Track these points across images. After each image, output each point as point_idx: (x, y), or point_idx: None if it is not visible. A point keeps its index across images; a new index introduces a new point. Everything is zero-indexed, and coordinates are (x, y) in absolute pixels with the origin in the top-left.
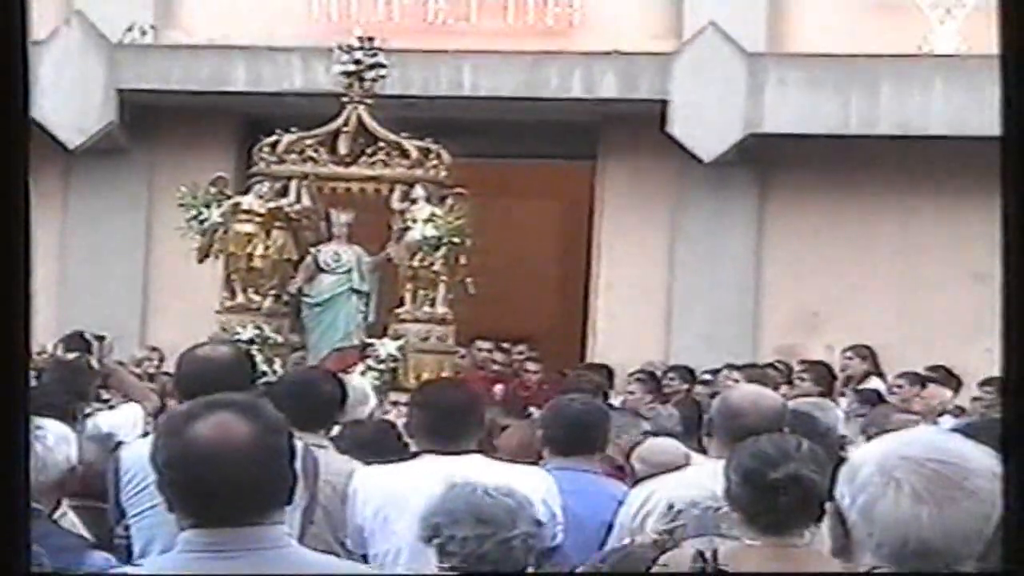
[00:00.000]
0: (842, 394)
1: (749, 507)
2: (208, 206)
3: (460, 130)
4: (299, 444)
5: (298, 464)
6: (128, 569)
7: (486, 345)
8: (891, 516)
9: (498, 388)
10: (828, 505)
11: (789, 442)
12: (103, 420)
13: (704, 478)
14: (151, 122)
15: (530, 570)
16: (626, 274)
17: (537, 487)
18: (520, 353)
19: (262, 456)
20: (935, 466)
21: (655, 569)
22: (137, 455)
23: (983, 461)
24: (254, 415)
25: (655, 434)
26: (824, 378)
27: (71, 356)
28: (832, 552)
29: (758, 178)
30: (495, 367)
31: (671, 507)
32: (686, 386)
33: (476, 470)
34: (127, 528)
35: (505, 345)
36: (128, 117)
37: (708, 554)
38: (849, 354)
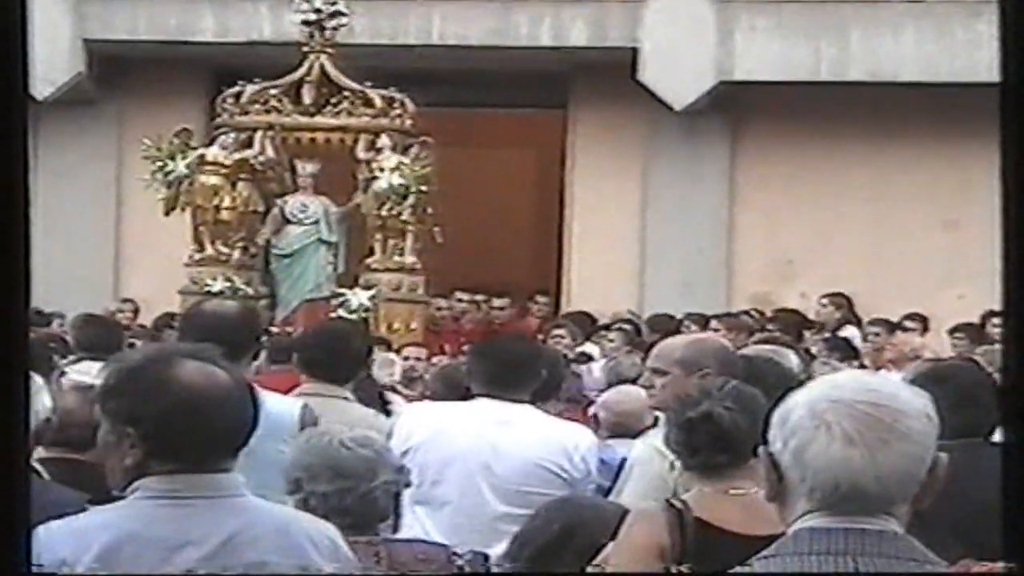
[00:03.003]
0: (815, 343)
1: (676, 449)
2: (173, 158)
3: (430, 79)
4: (297, 400)
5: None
6: (81, 517)
7: (466, 296)
8: (822, 460)
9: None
10: (761, 450)
11: (713, 383)
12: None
13: None
14: (119, 73)
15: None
16: (599, 223)
17: (579, 442)
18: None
19: (240, 403)
20: (866, 408)
21: (627, 522)
22: None
23: (915, 403)
24: (215, 362)
25: (618, 382)
26: (792, 325)
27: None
28: (766, 497)
29: (730, 126)
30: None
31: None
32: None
33: (524, 417)
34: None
35: (479, 297)
36: (96, 68)
37: (678, 503)
38: (824, 301)
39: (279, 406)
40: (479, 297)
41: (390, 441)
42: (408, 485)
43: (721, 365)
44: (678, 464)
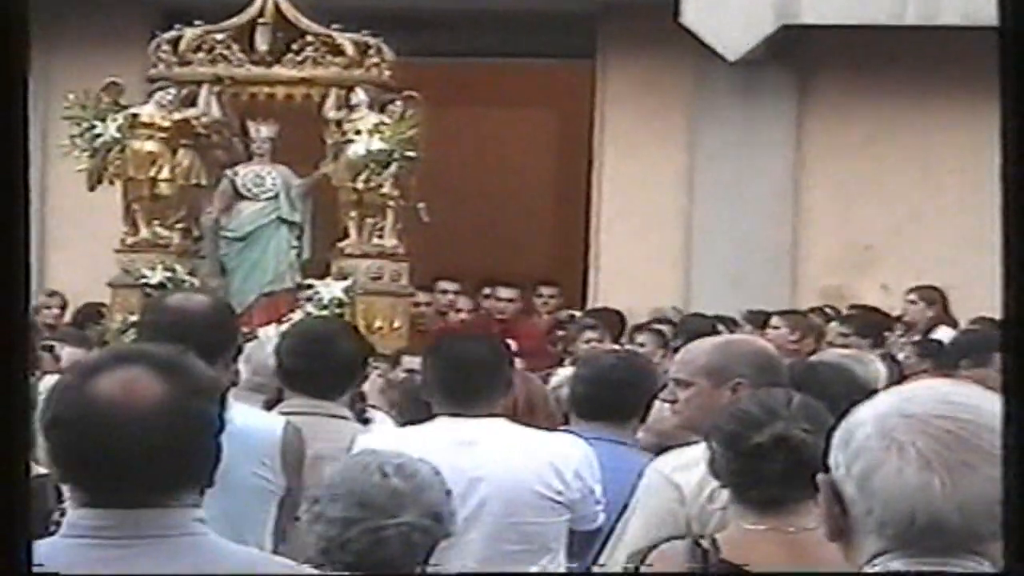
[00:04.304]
0: (902, 347)
1: (735, 480)
2: (103, 119)
3: (424, 23)
4: (280, 418)
5: (255, 439)
6: None
7: (451, 287)
8: (894, 488)
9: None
10: (820, 477)
11: (777, 398)
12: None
13: None
14: (45, 15)
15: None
16: (634, 199)
17: (569, 457)
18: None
19: (172, 422)
20: (945, 424)
21: (649, 560)
22: None
23: None
24: (172, 372)
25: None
26: (872, 326)
27: None
28: (828, 536)
29: (796, 80)
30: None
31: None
32: None
33: (497, 434)
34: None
35: (486, 290)
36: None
37: (707, 543)
38: (912, 297)
39: (258, 423)
40: (486, 290)
41: None
42: (448, 536)
43: (757, 372)
44: (721, 496)
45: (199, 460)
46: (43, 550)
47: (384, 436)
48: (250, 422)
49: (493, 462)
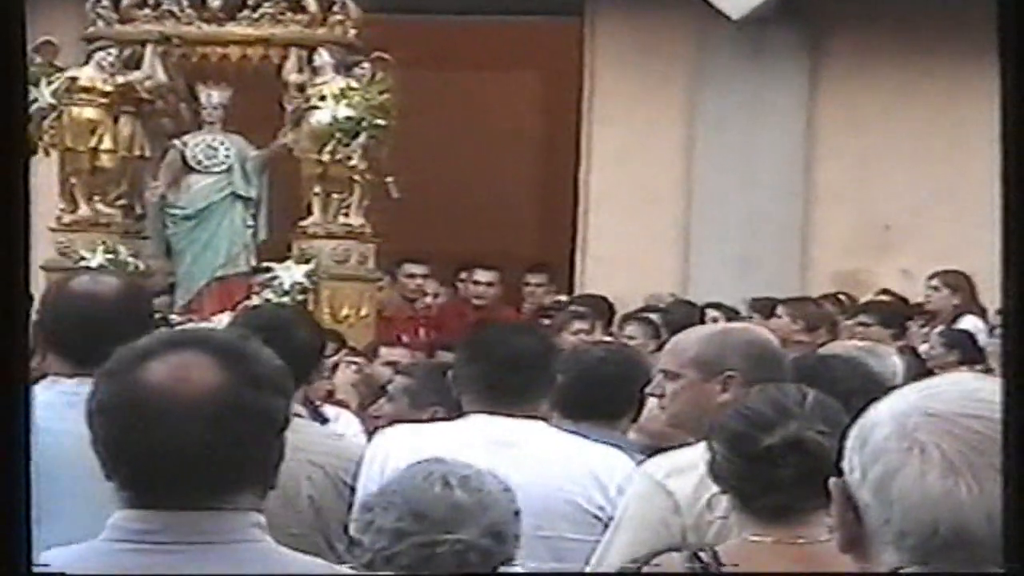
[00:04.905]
0: (925, 339)
1: (740, 486)
2: (36, 83)
3: None
4: None
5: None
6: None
7: (418, 270)
8: (915, 494)
9: None
10: (832, 482)
11: (790, 395)
12: None
13: None
14: None
15: None
16: (628, 173)
17: (614, 470)
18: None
19: (229, 415)
20: (972, 424)
21: (646, 570)
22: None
23: None
24: (231, 358)
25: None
26: (894, 315)
27: None
28: (840, 546)
29: (807, 41)
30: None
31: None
32: None
33: (537, 438)
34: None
35: (463, 275)
36: None
37: (707, 556)
38: (935, 283)
39: None
40: (463, 273)
41: (359, 474)
42: (510, 559)
43: (753, 365)
44: (721, 503)
45: (258, 459)
46: (81, 554)
47: (409, 432)
48: None
49: (531, 467)
